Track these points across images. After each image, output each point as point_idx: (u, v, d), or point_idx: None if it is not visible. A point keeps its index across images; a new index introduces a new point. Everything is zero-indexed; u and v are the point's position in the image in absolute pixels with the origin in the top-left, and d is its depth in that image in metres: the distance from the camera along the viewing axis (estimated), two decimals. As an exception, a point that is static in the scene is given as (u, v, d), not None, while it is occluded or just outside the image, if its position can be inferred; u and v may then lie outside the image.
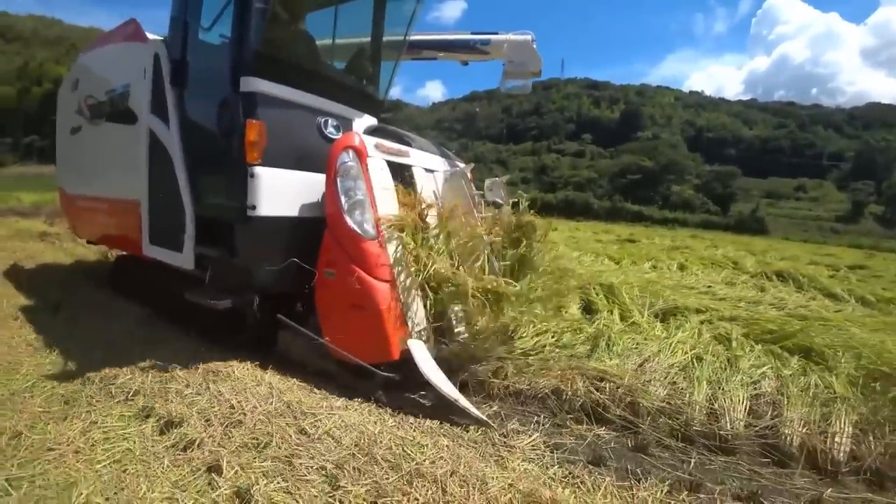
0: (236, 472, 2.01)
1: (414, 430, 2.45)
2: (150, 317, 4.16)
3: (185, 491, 1.92)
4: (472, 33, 5.18)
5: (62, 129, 5.43)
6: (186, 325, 3.84)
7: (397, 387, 2.87)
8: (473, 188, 4.32)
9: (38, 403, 2.59)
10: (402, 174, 3.66)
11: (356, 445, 2.21)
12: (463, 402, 2.69)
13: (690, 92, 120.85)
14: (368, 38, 4.43)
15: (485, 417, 2.62)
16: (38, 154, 42.05)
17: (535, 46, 4.87)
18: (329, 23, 4.36)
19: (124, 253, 5.22)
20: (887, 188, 57.21)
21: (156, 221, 3.80)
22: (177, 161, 3.47)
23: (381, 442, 2.26)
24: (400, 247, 3.16)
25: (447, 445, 2.31)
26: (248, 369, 3.06)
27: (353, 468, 2.04)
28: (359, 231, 2.96)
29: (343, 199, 3.00)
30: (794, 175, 69.88)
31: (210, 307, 3.29)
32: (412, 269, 3.17)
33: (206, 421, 2.39)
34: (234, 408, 2.50)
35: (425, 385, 2.80)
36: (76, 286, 5.26)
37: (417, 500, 1.87)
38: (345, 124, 3.78)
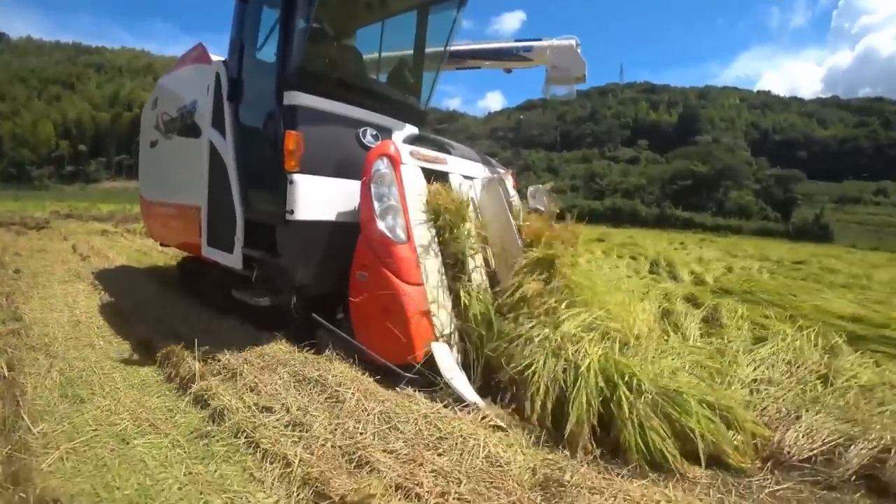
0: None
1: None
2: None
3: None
4: (516, 40, 5.20)
5: (144, 143, 5.93)
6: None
7: (421, 385, 2.87)
8: (513, 195, 4.32)
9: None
10: (439, 181, 3.64)
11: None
12: (481, 404, 2.71)
13: (758, 92, 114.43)
14: (410, 50, 4.56)
15: (500, 422, 2.59)
16: (126, 171, 47.37)
17: (579, 51, 4.78)
18: (371, 36, 4.55)
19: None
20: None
21: (213, 225, 4.08)
22: (231, 169, 3.74)
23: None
24: (432, 251, 3.25)
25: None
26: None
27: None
28: (390, 235, 3.06)
29: (376, 204, 3.10)
30: (876, 178, 64.55)
31: (252, 304, 3.51)
32: (443, 273, 3.25)
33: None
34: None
35: (447, 386, 2.82)
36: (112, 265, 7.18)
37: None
38: (384, 134, 3.90)
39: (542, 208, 4.39)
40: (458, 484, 1.94)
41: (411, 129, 4.20)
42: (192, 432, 2.44)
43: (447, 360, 2.92)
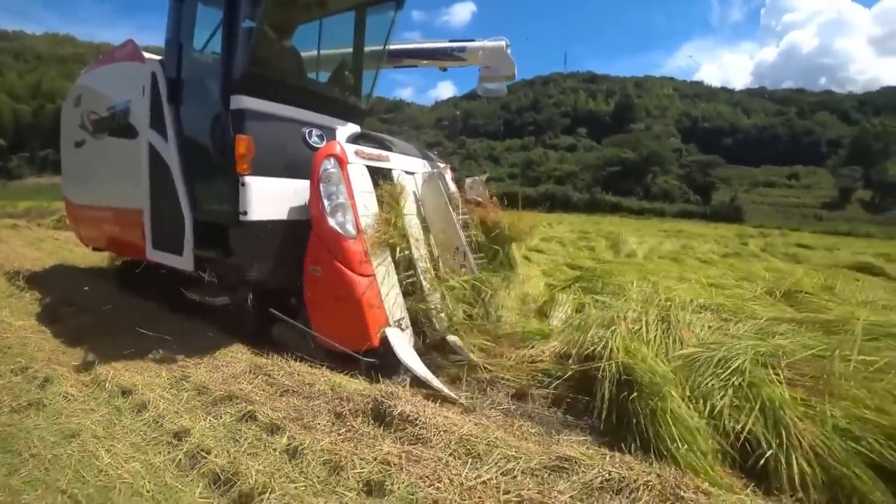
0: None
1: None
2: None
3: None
4: (450, 41, 5.41)
5: (66, 143, 5.64)
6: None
7: (379, 370, 3.10)
8: (451, 187, 4.58)
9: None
10: (383, 178, 3.85)
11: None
12: (435, 382, 2.95)
13: (692, 82, 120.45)
14: (350, 50, 4.64)
15: (454, 395, 2.89)
16: (52, 167, 45.48)
17: (509, 52, 5.06)
18: (312, 36, 4.58)
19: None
20: (875, 174, 56.86)
21: (157, 228, 4.03)
22: (175, 172, 3.73)
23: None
24: (381, 243, 3.43)
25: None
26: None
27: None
28: (340, 231, 3.22)
29: (326, 202, 3.26)
30: (791, 163, 69.80)
31: (208, 304, 3.56)
32: (392, 263, 3.47)
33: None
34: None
35: (403, 368, 3.08)
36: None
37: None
38: (328, 133, 4.00)
39: (479, 198, 4.71)
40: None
41: (353, 128, 4.33)
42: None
43: (402, 344, 3.16)
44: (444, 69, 5.68)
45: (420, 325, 3.53)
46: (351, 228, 3.28)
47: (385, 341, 3.14)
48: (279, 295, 3.64)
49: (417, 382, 2.99)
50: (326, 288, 3.25)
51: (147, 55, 4.14)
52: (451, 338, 3.49)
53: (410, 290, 3.57)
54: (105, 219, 5.00)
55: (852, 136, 66.44)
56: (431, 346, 3.52)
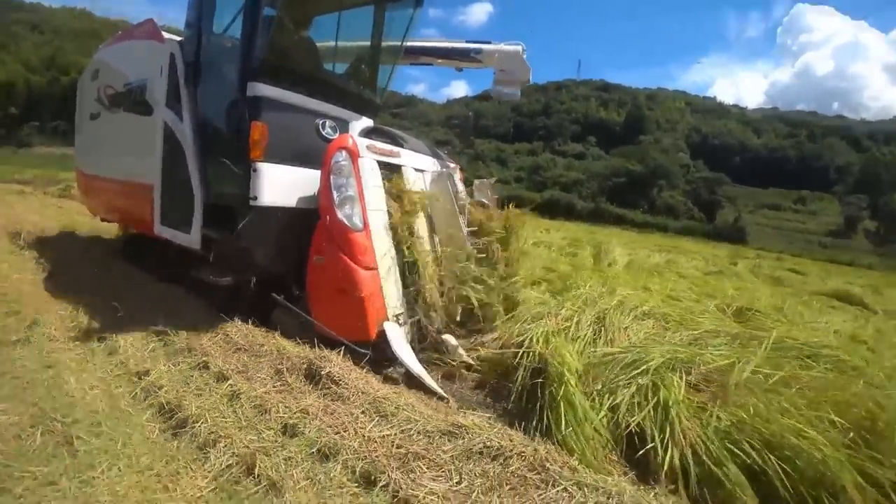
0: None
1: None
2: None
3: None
4: (467, 42, 5.44)
5: (82, 115, 5.72)
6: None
7: (373, 361, 3.15)
8: (459, 187, 4.60)
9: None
10: (392, 173, 3.88)
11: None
12: (427, 379, 3.02)
13: (704, 98, 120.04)
14: (368, 43, 4.67)
15: (443, 392, 2.96)
16: (62, 137, 45.68)
17: (524, 57, 5.07)
18: (330, 28, 4.60)
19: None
20: (883, 205, 56.46)
21: (167, 204, 4.09)
22: (188, 152, 3.78)
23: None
24: (385, 238, 3.49)
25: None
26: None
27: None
28: (347, 223, 3.26)
29: (335, 194, 3.29)
30: (799, 186, 69.51)
31: (212, 283, 3.62)
32: (395, 258, 3.51)
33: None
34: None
35: (397, 361, 3.12)
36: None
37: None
38: (342, 125, 4.06)
39: (486, 200, 4.74)
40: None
41: (367, 122, 4.39)
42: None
43: (398, 339, 3.21)
44: (460, 70, 5.68)
45: (418, 321, 3.58)
46: (358, 221, 3.32)
47: (382, 335, 3.19)
48: (281, 280, 3.70)
49: (411, 378, 3.05)
50: (329, 278, 3.28)
51: (166, 35, 4.19)
52: (447, 336, 3.55)
53: (411, 286, 3.61)
54: (115, 191, 5.08)
55: (862, 163, 66.05)
56: (428, 344, 3.58)
